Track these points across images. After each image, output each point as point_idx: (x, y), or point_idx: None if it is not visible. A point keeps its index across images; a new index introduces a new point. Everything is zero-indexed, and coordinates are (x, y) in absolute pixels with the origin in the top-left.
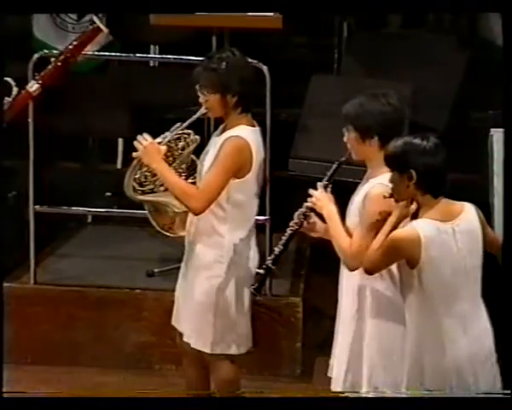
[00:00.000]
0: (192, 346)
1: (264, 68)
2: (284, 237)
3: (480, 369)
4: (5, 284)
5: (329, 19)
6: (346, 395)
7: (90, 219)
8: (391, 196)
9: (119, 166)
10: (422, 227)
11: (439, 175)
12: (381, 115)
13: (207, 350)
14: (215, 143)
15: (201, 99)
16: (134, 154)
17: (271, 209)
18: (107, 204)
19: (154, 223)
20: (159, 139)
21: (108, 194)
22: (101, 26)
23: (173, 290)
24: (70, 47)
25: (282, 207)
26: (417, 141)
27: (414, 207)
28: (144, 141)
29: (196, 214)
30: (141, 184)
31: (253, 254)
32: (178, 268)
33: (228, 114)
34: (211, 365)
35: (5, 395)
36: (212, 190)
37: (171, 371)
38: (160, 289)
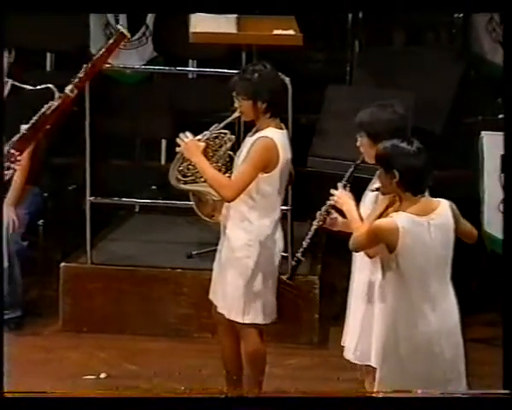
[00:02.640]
0: (226, 316)
1: (287, 80)
2: (310, 232)
3: (445, 340)
4: (65, 264)
5: (343, 37)
6: (346, 395)
7: (137, 209)
8: (377, 189)
9: (162, 162)
10: (400, 219)
11: (419, 176)
12: (390, 123)
13: (239, 320)
14: (247, 142)
15: (236, 104)
16: (177, 149)
17: (293, 200)
18: (152, 196)
19: (198, 212)
20: (199, 137)
21: (153, 187)
22: (125, 32)
23: (209, 270)
24: (100, 53)
25: (301, 199)
26: (402, 145)
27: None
28: (186, 138)
29: (228, 202)
30: (184, 175)
31: (279, 239)
32: (213, 251)
33: (258, 118)
34: (241, 333)
35: (6, 395)
36: (242, 181)
37: (207, 339)
38: (198, 269)
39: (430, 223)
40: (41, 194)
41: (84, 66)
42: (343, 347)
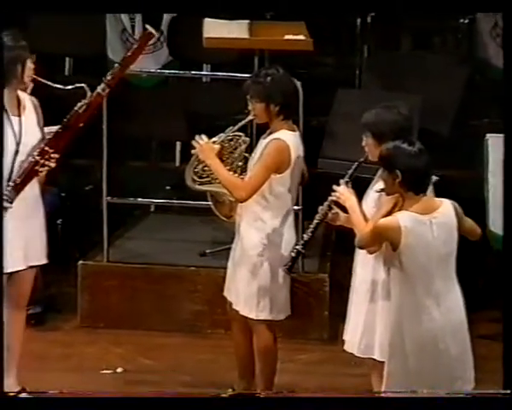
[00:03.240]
0: (240, 312)
1: (298, 83)
2: (312, 226)
3: (450, 337)
4: (83, 262)
5: (352, 42)
6: (347, 395)
7: (152, 209)
8: (382, 190)
9: (177, 164)
10: (403, 218)
11: (421, 176)
12: (394, 123)
13: (253, 316)
14: (261, 144)
15: (250, 107)
16: (192, 151)
17: (303, 200)
18: (167, 196)
19: (216, 212)
20: (214, 139)
21: (168, 187)
22: (153, 31)
23: (222, 268)
24: (129, 53)
25: (312, 199)
26: (404, 146)
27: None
28: (201, 140)
29: (241, 202)
30: (200, 176)
31: (291, 238)
32: (225, 249)
33: (271, 121)
34: (254, 329)
35: (6, 395)
36: (255, 182)
37: (220, 335)
38: (211, 267)
39: (432, 221)
40: (59, 194)
41: (116, 65)
42: (344, 340)
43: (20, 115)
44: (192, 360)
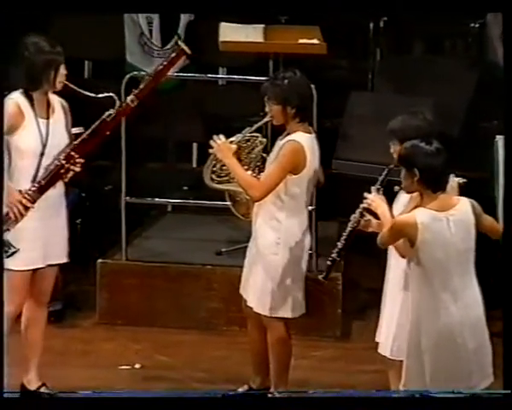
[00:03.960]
0: (254, 310)
1: (312, 86)
2: (345, 233)
3: (468, 332)
4: (102, 261)
5: (365, 45)
6: (349, 395)
7: (170, 209)
8: (401, 188)
9: (193, 165)
10: (420, 215)
11: (439, 174)
12: (419, 129)
13: (267, 313)
14: (278, 145)
15: (267, 109)
16: (210, 150)
17: (317, 200)
18: (184, 196)
19: (234, 211)
20: (232, 139)
21: (185, 188)
22: (186, 49)
23: (237, 267)
24: (160, 67)
25: (326, 199)
26: (422, 145)
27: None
28: (218, 140)
29: (256, 201)
30: (218, 175)
31: (306, 237)
32: (241, 248)
33: (288, 123)
34: (268, 326)
35: (5, 395)
36: (270, 182)
37: (235, 332)
38: (227, 266)
39: (449, 219)
40: (79, 194)
41: (146, 78)
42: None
43: (48, 118)
44: (207, 357)
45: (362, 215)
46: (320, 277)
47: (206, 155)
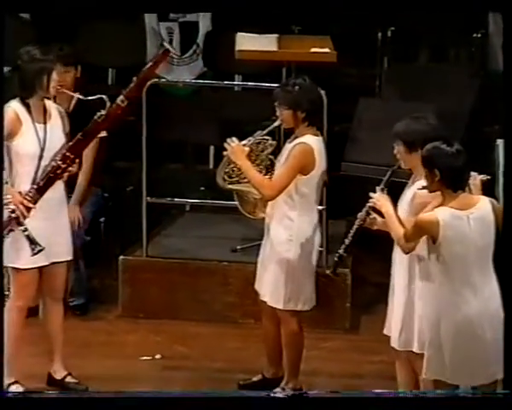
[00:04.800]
0: (268, 303)
1: (322, 92)
2: (352, 231)
3: (487, 324)
4: (124, 257)
5: (373, 54)
6: (350, 395)
7: (188, 208)
8: (423, 188)
9: (210, 166)
10: (441, 213)
11: (459, 175)
12: (423, 133)
13: (280, 307)
14: (287, 148)
15: (278, 113)
16: (224, 152)
17: (327, 200)
18: (201, 196)
19: (241, 209)
20: (244, 141)
21: (202, 188)
22: (170, 48)
23: (251, 263)
24: (147, 67)
25: (335, 199)
26: (443, 146)
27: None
28: (232, 143)
29: (268, 200)
30: (229, 176)
31: (316, 235)
32: (255, 246)
33: (297, 126)
34: (282, 318)
35: (5, 395)
36: (281, 181)
37: (250, 325)
38: (241, 262)
39: (470, 217)
40: (102, 194)
41: (134, 78)
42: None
43: (45, 123)
44: (224, 348)
45: (368, 214)
46: (328, 271)
47: (222, 158)
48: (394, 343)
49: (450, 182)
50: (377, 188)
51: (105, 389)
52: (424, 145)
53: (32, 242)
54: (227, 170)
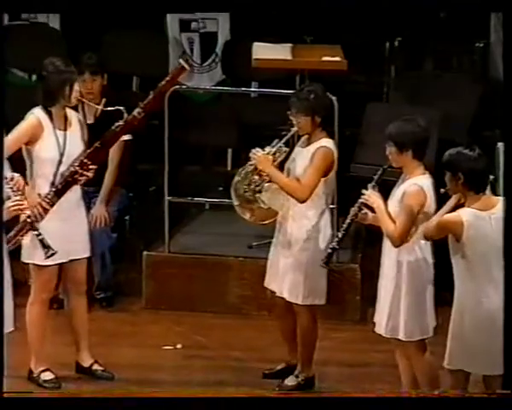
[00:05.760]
0: (287, 299)
1: (333, 98)
2: (344, 225)
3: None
4: (147, 253)
5: (381, 62)
6: (352, 395)
7: (207, 207)
8: (446, 190)
9: (228, 168)
10: (465, 214)
11: (481, 177)
12: (414, 134)
13: (299, 302)
14: (300, 152)
15: (294, 121)
16: (250, 162)
17: (338, 200)
18: (219, 196)
19: (240, 214)
20: (267, 149)
21: (220, 188)
22: (185, 65)
23: (266, 259)
24: (164, 82)
25: (345, 199)
26: (465, 151)
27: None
28: (258, 153)
29: (302, 202)
30: (249, 185)
31: (328, 233)
32: (269, 243)
33: (313, 131)
34: (298, 313)
35: (5, 396)
36: (312, 184)
37: (264, 317)
38: (257, 258)
39: (491, 217)
40: (127, 194)
41: (151, 92)
42: (374, 322)
43: (65, 130)
44: (240, 338)
45: (360, 209)
46: (321, 262)
47: (239, 160)
48: (380, 330)
49: (472, 184)
50: (369, 185)
51: (129, 376)
52: (414, 146)
53: (44, 246)
54: (246, 182)
